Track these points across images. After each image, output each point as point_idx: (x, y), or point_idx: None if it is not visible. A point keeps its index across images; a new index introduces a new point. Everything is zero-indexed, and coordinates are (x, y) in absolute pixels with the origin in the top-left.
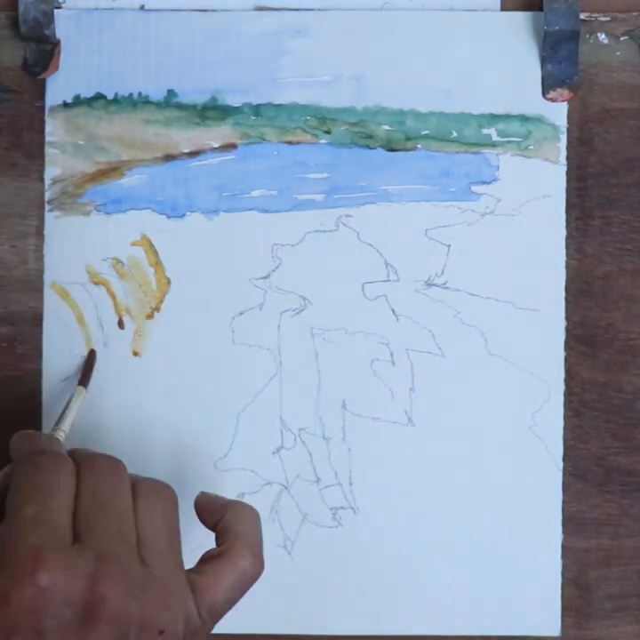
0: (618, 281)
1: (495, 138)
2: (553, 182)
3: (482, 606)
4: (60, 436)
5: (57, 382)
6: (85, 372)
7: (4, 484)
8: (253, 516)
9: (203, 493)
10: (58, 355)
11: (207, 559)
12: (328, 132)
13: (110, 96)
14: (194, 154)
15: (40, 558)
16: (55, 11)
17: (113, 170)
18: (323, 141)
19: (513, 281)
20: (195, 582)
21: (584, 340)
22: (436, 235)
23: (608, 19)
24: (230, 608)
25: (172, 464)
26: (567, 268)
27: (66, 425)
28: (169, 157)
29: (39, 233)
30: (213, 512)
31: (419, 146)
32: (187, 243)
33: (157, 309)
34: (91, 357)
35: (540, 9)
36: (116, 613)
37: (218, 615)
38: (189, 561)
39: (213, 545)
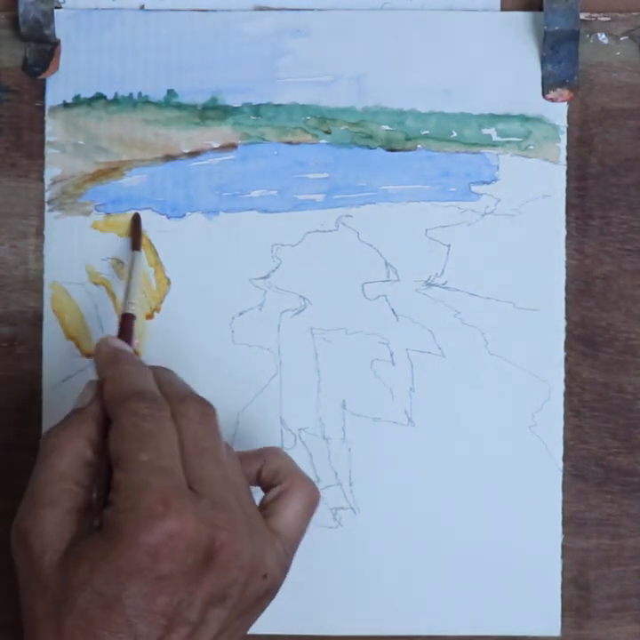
0: (618, 281)
1: (495, 138)
2: (553, 182)
3: (482, 606)
4: (134, 310)
5: (57, 382)
6: (136, 235)
7: (101, 417)
8: (286, 453)
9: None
10: (58, 355)
11: (271, 500)
12: (328, 132)
13: (110, 96)
14: (194, 154)
15: (169, 504)
16: (55, 11)
17: (113, 170)
18: (323, 141)
19: (513, 281)
20: (273, 524)
21: (584, 339)
22: (436, 235)
23: (608, 19)
24: (303, 536)
25: None
26: (567, 268)
27: (135, 296)
28: (169, 157)
29: (39, 233)
30: (251, 462)
31: (419, 146)
32: (187, 243)
33: (157, 309)
34: (136, 221)
35: (540, 9)
36: (230, 559)
37: (296, 547)
38: None
39: None
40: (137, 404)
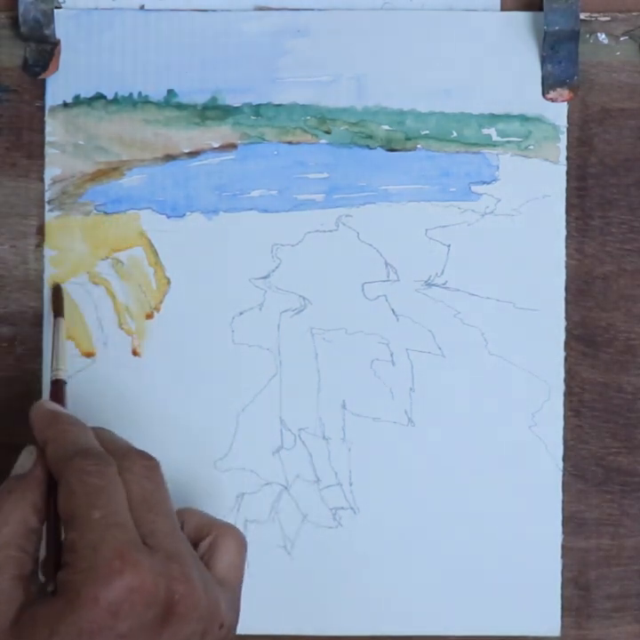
0: (618, 281)
1: (495, 138)
2: (553, 182)
3: (482, 606)
4: (62, 375)
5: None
6: (57, 303)
7: (45, 482)
8: (196, 508)
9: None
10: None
11: (205, 552)
12: (328, 132)
13: (110, 96)
14: (194, 154)
15: (126, 559)
16: (55, 11)
17: (113, 170)
18: (323, 141)
19: (513, 281)
20: (218, 574)
21: (584, 339)
22: (436, 235)
23: (608, 19)
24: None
25: (171, 464)
26: (567, 268)
27: (62, 362)
28: (169, 157)
29: (39, 233)
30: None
31: (419, 146)
32: (187, 243)
33: (157, 309)
34: (57, 290)
35: (540, 9)
36: (189, 611)
37: (240, 591)
38: None
39: None
40: (83, 461)
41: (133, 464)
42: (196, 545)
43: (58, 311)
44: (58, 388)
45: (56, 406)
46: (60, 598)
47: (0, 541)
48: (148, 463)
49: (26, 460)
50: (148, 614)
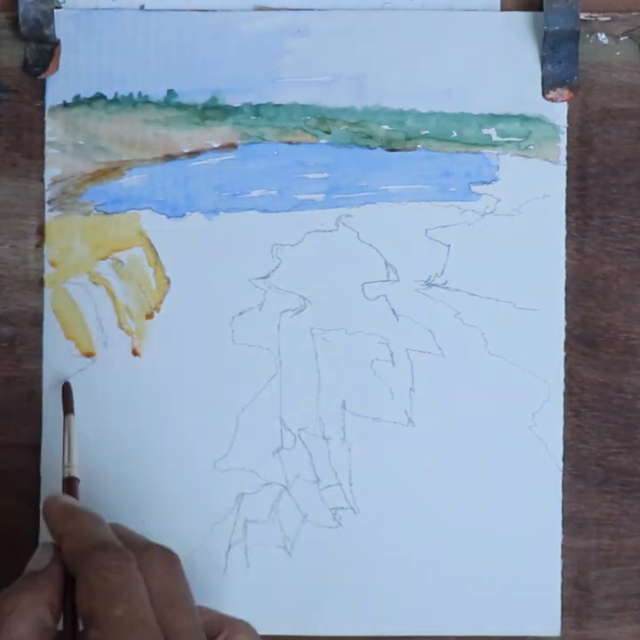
0: (618, 281)
1: (495, 138)
2: (553, 182)
3: (482, 606)
4: (75, 472)
5: (57, 382)
6: (67, 401)
7: (61, 580)
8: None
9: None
10: (58, 355)
11: None
12: (328, 132)
13: (110, 96)
14: (194, 154)
15: None
16: (55, 11)
17: (113, 170)
18: (323, 141)
19: (513, 281)
20: None
21: (584, 339)
22: (436, 235)
23: (608, 19)
24: None
25: (171, 464)
26: (567, 268)
27: (75, 458)
28: (169, 157)
29: (39, 233)
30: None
31: (419, 146)
32: (187, 243)
33: (157, 309)
34: (67, 388)
35: (540, 9)
36: None
37: None
38: None
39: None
40: (102, 556)
41: (153, 559)
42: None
43: (67, 409)
44: (71, 486)
45: (71, 500)
46: None
47: (15, 639)
48: (168, 558)
49: (43, 556)
50: None
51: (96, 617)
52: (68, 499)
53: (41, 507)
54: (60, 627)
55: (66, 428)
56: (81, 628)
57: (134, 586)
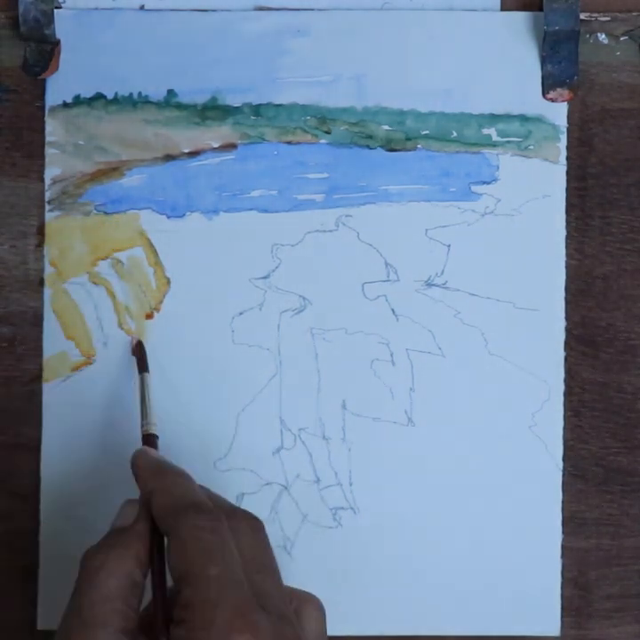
0: (618, 281)
1: (495, 138)
2: (553, 182)
3: (482, 606)
4: (154, 429)
5: (57, 383)
6: (141, 359)
7: (148, 537)
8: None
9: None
10: (58, 355)
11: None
12: (328, 132)
13: (110, 96)
14: (194, 154)
15: (246, 619)
16: (55, 11)
17: (113, 170)
18: (323, 141)
19: (513, 281)
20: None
21: (584, 339)
22: (436, 235)
23: (608, 19)
24: None
25: None
26: (567, 268)
27: (152, 416)
28: (169, 157)
29: (39, 233)
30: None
31: (419, 146)
32: (187, 243)
33: (157, 309)
34: (140, 346)
35: (540, 9)
36: None
37: None
38: None
39: None
40: (196, 515)
41: (240, 523)
42: None
43: (142, 367)
44: (151, 443)
45: (161, 456)
46: None
47: (106, 594)
48: (255, 524)
49: (128, 512)
50: None
51: (190, 576)
52: (159, 455)
53: (130, 460)
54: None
55: (142, 385)
56: (170, 585)
57: (227, 546)
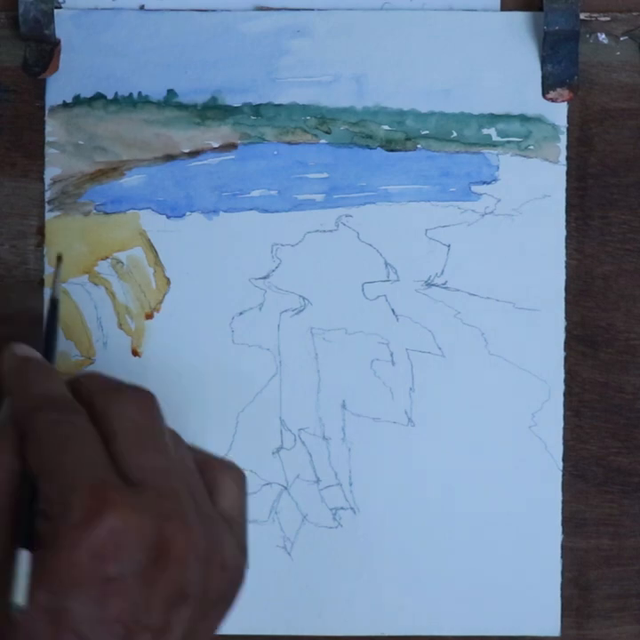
0: (618, 281)
1: (495, 138)
2: (553, 182)
3: (482, 606)
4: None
5: None
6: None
7: (15, 426)
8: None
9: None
10: (58, 355)
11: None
12: (328, 132)
13: (110, 96)
14: (194, 154)
15: (103, 498)
16: (55, 11)
17: (113, 170)
18: (323, 141)
19: (513, 281)
20: (221, 510)
21: (584, 340)
22: (436, 235)
23: (608, 19)
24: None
25: None
26: (567, 268)
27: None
28: (169, 157)
29: (39, 233)
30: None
31: (419, 146)
32: (187, 243)
33: (157, 309)
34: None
35: (540, 9)
36: (185, 552)
37: (246, 528)
38: None
39: None
40: (49, 412)
41: (124, 398)
42: None
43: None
44: (54, 307)
45: (27, 351)
46: (41, 550)
47: None
48: (141, 396)
49: (6, 410)
50: (137, 556)
51: (45, 468)
52: (25, 350)
53: None
54: None
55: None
56: None
57: (83, 434)
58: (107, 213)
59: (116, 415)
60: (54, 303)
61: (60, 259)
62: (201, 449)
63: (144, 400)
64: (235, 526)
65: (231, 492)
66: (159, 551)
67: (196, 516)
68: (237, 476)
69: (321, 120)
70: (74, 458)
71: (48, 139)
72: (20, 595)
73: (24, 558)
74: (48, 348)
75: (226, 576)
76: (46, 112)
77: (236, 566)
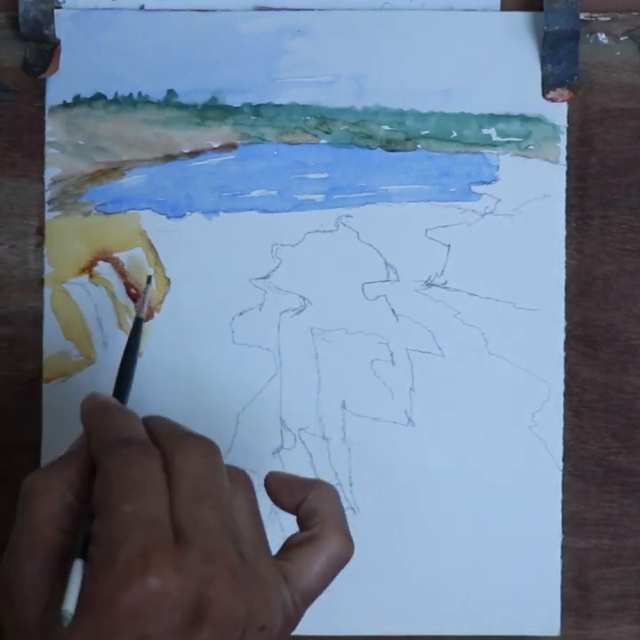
0: (618, 281)
1: (495, 138)
2: (553, 182)
3: (482, 606)
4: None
5: (57, 383)
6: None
7: (86, 464)
8: (336, 495)
9: (274, 473)
10: (58, 355)
11: (296, 544)
12: (328, 132)
13: (110, 96)
14: (194, 154)
15: (149, 559)
16: (55, 11)
17: (113, 170)
18: (323, 141)
19: (513, 281)
20: (287, 570)
21: (584, 340)
22: (436, 235)
23: (608, 19)
24: (321, 593)
25: None
26: (567, 268)
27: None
28: (169, 157)
29: (39, 233)
30: (293, 493)
31: (419, 146)
32: (187, 243)
33: (157, 309)
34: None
35: (540, 9)
36: (223, 616)
37: (310, 601)
38: None
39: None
40: (123, 450)
41: (190, 447)
42: (302, 527)
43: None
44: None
45: (107, 398)
46: (82, 592)
47: (34, 520)
48: (206, 448)
49: (75, 444)
50: (173, 618)
51: (103, 510)
52: (105, 397)
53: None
54: None
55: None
56: None
57: (150, 482)
58: (107, 213)
59: (180, 465)
60: (137, 324)
61: (149, 279)
62: (335, 503)
63: (208, 452)
64: (293, 591)
65: (316, 562)
66: (196, 613)
67: (241, 578)
68: (338, 551)
69: (321, 120)
70: (134, 508)
71: (48, 139)
72: (70, 603)
73: (78, 568)
74: (122, 388)
75: (264, 635)
76: (46, 112)
77: (275, 628)
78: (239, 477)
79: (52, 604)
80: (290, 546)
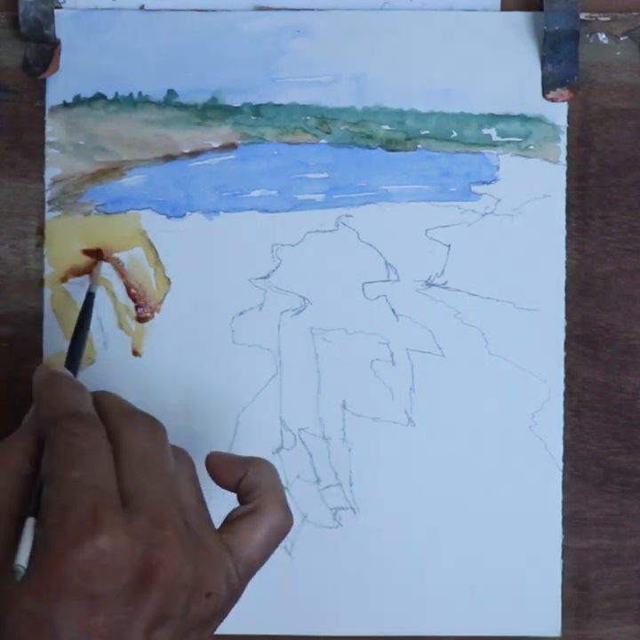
0: (618, 281)
1: (495, 138)
2: (553, 182)
3: (482, 606)
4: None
5: None
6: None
7: (34, 433)
8: (275, 470)
9: (214, 453)
10: (58, 355)
11: (238, 517)
12: (328, 132)
13: (110, 96)
14: (194, 154)
15: (99, 519)
16: (55, 11)
17: (113, 170)
18: (323, 141)
19: (513, 281)
20: (229, 541)
21: (584, 339)
22: (436, 235)
23: (608, 19)
24: (263, 564)
25: None
26: (567, 268)
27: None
28: (169, 157)
29: (39, 233)
30: (233, 470)
31: (419, 146)
32: (187, 243)
33: (157, 309)
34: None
35: (540, 9)
36: (171, 578)
37: (253, 572)
38: None
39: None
40: (70, 423)
41: (137, 423)
42: (243, 502)
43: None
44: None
45: (57, 368)
46: (34, 553)
47: None
48: (152, 425)
49: (28, 415)
50: (122, 578)
51: (52, 477)
52: (55, 367)
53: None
54: None
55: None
56: None
57: (96, 452)
58: (107, 213)
59: (127, 438)
60: (89, 298)
61: (100, 255)
62: (273, 478)
63: (154, 428)
64: (235, 562)
65: (257, 533)
66: (145, 574)
67: (187, 544)
68: (278, 522)
69: (321, 120)
70: (82, 474)
71: (48, 139)
72: (22, 558)
73: (30, 525)
74: (73, 358)
75: (209, 604)
76: (46, 112)
77: (219, 597)
78: (182, 456)
79: (6, 567)
80: (232, 519)
